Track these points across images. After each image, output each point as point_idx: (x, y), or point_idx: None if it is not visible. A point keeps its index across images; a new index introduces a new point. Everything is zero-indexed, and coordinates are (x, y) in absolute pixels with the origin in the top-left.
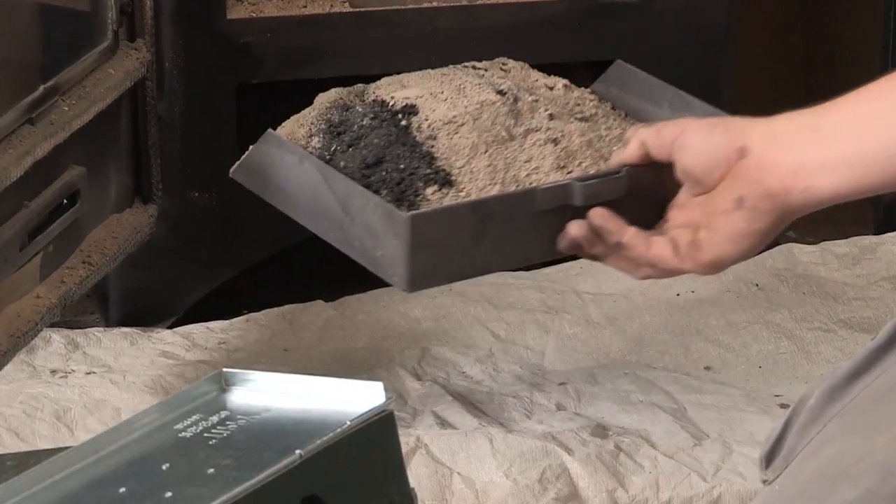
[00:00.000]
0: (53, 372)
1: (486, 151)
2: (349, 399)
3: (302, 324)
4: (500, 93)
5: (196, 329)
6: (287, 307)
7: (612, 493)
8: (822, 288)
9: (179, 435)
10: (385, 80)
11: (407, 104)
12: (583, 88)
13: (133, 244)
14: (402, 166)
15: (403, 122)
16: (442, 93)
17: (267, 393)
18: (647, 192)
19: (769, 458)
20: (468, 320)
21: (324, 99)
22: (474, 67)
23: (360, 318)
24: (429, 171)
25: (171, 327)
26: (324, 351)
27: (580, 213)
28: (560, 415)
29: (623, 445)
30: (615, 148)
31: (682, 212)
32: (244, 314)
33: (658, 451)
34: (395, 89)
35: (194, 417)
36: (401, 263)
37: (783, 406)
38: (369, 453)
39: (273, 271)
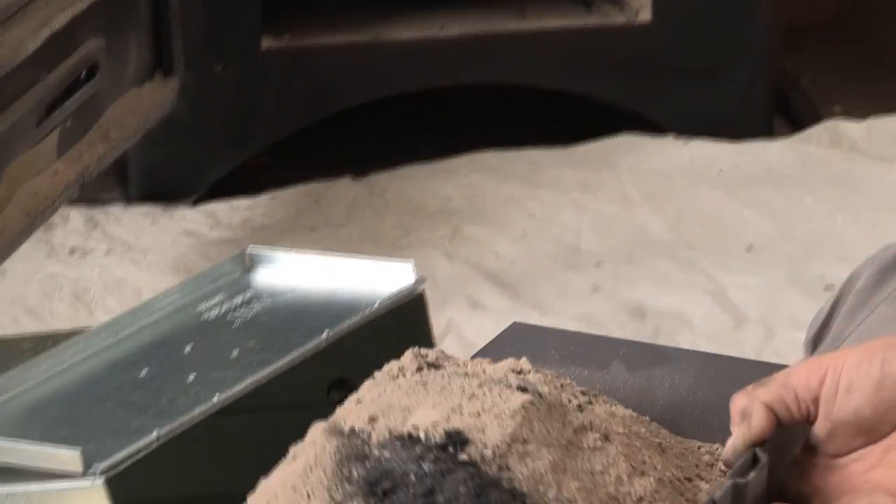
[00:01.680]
0: (72, 251)
1: (565, 470)
2: (378, 279)
3: (329, 201)
4: (523, 389)
5: (219, 207)
6: (313, 184)
7: None
8: (869, 165)
9: (202, 316)
10: (359, 408)
11: (450, 432)
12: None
13: (153, 119)
14: None
15: (465, 458)
16: (461, 406)
17: (293, 273)
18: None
19: (815, 343)
20: (501, 199)
21: (312, 454)
22: (419, 368)
23: (389, 195)
24: None
25: (193, 205)
26: (351, 229)
27: None
28: (596, 296)
29: (662, 328)
30: (643, 429)
31: (831, 479)
32: (269, 191)
33: (698, 333)
34: (402, 416)
35: (217, 298)
36: None
37: (829, 288)
38: (399, 335)
39: (298, 147)
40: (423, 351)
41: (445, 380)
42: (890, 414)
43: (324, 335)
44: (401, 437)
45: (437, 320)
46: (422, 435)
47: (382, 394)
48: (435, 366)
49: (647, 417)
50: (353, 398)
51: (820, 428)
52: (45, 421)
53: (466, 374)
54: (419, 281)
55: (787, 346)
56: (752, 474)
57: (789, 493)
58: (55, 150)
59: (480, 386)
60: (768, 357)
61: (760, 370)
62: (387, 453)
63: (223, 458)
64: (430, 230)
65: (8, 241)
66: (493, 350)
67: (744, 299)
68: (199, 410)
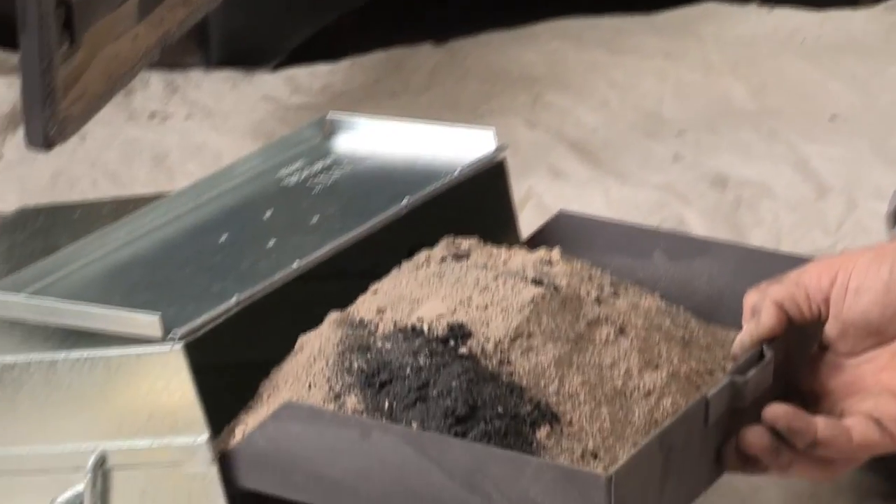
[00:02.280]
0: (152, 115)
1: (571, 365)
2: (459, 146)
3: (409, 67)
4: (537, 282)
5: (300, 72)
6: (394, 50)
7: None
8: None
9: (282, 182)
10: (373, 299)
11: (453, 326)
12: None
13: None
14: (501, 410)
15: (464, 351)
16: (470, 298)
17: (373, 139)
18: (779, 369)
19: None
20: (583, 66)
21: (318, 345)
22: (443, 258)
23: (470, 62)
24: (529, 407)
25: (273, 70)
26: (432, 96)
27: (738, 418)
28: (677, 165)
29: (743, 197)
30: (668, 322)
31: (844, 378)
32: (349, 57)
33: (779, 203)
34: (410, 308)
35: (297, 164)
36: None
37: None
38: (479, 203)
39: (379, 12)
40: (458, 240)
41: (462, 271)
42: None
43: (404, 202)
44: (404, 330)
45: (518, 188)
46: (425, 328)
47: (398, 285)
48: (461, 256)
49: (681, 308)
50: (372, 287)
51: (831, 328)
52: (125, 285)
53: (486, 265)
54: (500, 148)
55: (868, 216)
56: (752, 372)
57: (804, 391)
58: (136, 14)
59: (496, 278)
60: (850, 228)
61: (797, 264)
62: (388, 345)
63: (301, 325)
64: (510, 97)
65: (88, 105)
66: (539, 239)
67: (826, 169)
68: (278, 276)
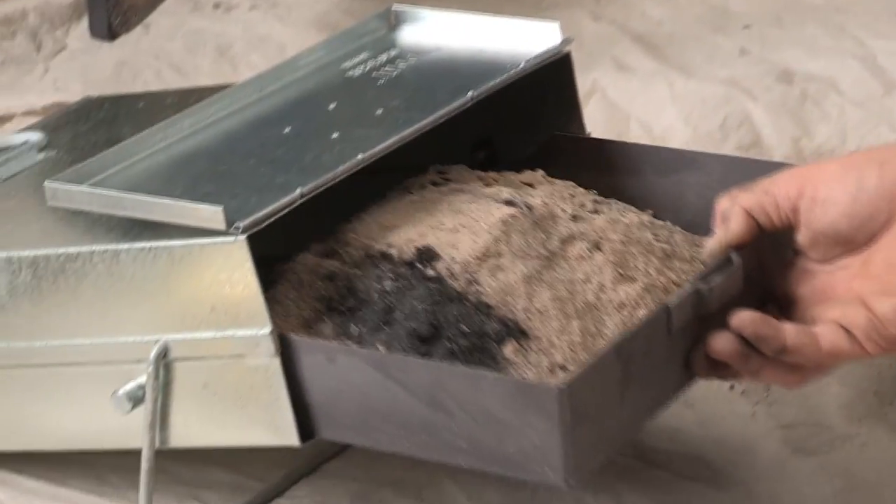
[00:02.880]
0: (216, 5)
1: (541, 282)
2: (524, 39)
3: None
4: (510, 203)
5: None
6: None
7: (797, 141)
8: None
9: (347, 74)
10: (348, 228)
11: (421, 249)
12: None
13: None
14: (465, 329)
15: (432, 273)
16: (442, 222)
17: (438, 31)
18: (753, 275)
19: None
20: None
21: (296, 277)
22: (422, 186)
23: None
24: (495, 325)
25: None
26: None
27: (707, 324)
28: (744, 59)
29: (809, 92)
30: (649, 236)
31: (817, 284)
32: None
33: (845, 99)
34: (380, 235)
35: (362, 56)
36: (555, 452)
37: None
38: (544, 96)
39: None
40: (444, 168)
41: (440, 196)
42: (865, 227)
43: (469, 94)
44: (373, 256)
45: (582, 82)
46: (393, 252)
47: (380, 213)
48: (441, 182)
49: (668, 223)
50: (352, 218)
51: (802, 237)
52: (188, 177)
53: (462, 189)
54: (565, 41)
55: None
56: (718, 279)
57: (778, 296)
58: None
59: (470, 202)
60: None
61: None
62: (358, 272)
63: None
64: None
65: None
66: (531, 161)
67: (894, 65)
68: (342, 168)
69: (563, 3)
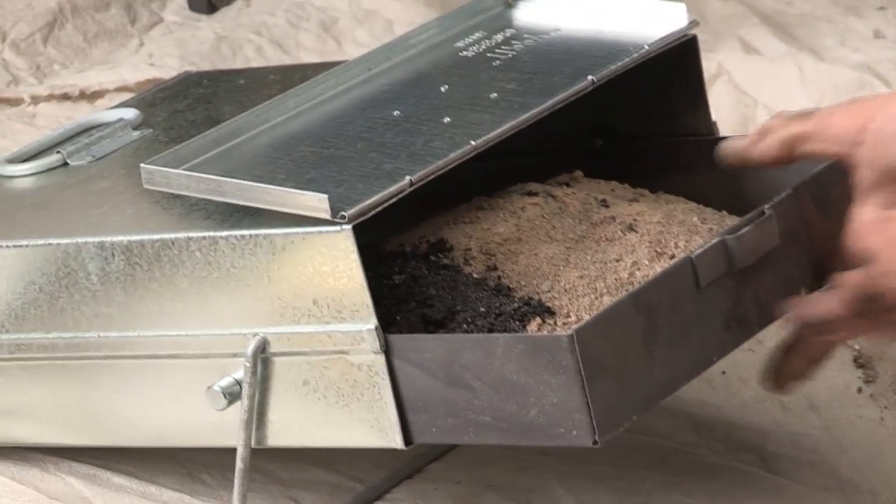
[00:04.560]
0: None
1: (567, 262)
2: (647, 21)
3: None
4: (532, 193)
5: None
6: None
7: None
8: None
9: (460, 54)
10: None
11: (433, 242)
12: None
13: None
14: (482, 309)
15: (446, 262)
16: (459, 217)
17: (557, 11)
18: (796, 232)
19: None
20: None
21: None
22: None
23: None
24: (516, 304)
25: None
26: None
27: (746, 282)
28: (878, 43)
29: None
30: (695, 219)
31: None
32: None
33: None
34: (394, 237)
35: (476, 35)
36: (577, 407)
37: None
38: (668, 80)
39: None
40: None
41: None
42: None
43: (589, 79)
44: (385, 255)
45: (708, 64)
46: (407, 249)
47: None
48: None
49: (723, 211)
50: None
51: (864, 176)
52: (292, 161)
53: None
54: (692, 24)
55: None
56: (747, 231)
57: (845, 258)
58: None
59: (494, 196)
60: None
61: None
62: (369, 273)
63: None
64: None
65: None
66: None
67: None
68: (454, 155)
69: None
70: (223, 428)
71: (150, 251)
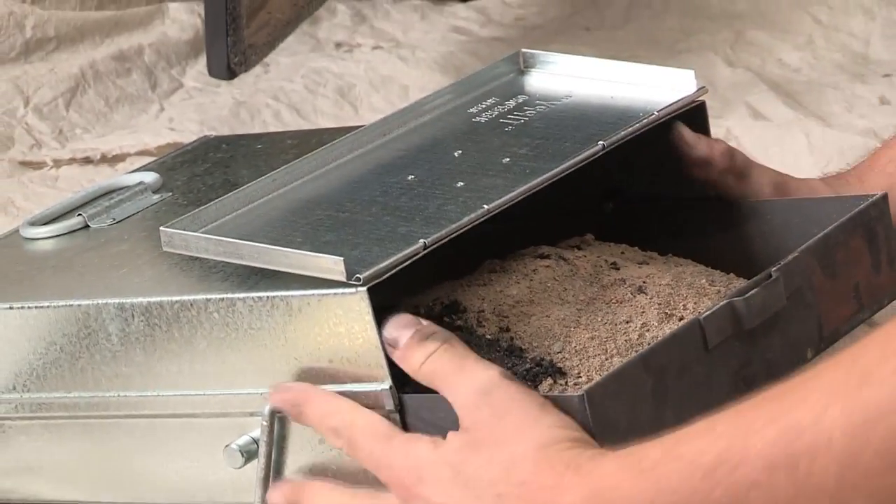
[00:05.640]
0: (338, 45)
1: (578, 323)
2: (657, 86)
3: (605, 1)
4: (543, 256)
5: (491, 3)
6: None
7: None
8: None
9: (473, 119)
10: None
11: (445, 304)
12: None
13: None
14: None
15: (459, 323)
16: (473, 280)
17: (568, 77)
18: (804, 293)
19: None
20: (787, 2)
21: None
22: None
23: None
24: (528, 365)
25: (464, 1)
26: (628, 31)
27: (753, 342)
28: (883, 109)
29: None
30: (703, 281)
31: None
32: None
33: None
34: (409, 297)
35: (490, 101)
36: None
37: None
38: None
39: None
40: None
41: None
42: None
43: (600, 145)
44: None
45: (716, 130)
46: (422, 310)
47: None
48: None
49: (731, 274)
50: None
51: None
52: (309, 224)
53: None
54: (700, 90)
55: None
56: (754, 292)
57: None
58: None
59: (506, 259)
60: None
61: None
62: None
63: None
64: (710, 34)
65: (273, 33)
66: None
67: None
68: (467, 219)
69: (698, 47)
70: (241, 485)
71: (170, 312)
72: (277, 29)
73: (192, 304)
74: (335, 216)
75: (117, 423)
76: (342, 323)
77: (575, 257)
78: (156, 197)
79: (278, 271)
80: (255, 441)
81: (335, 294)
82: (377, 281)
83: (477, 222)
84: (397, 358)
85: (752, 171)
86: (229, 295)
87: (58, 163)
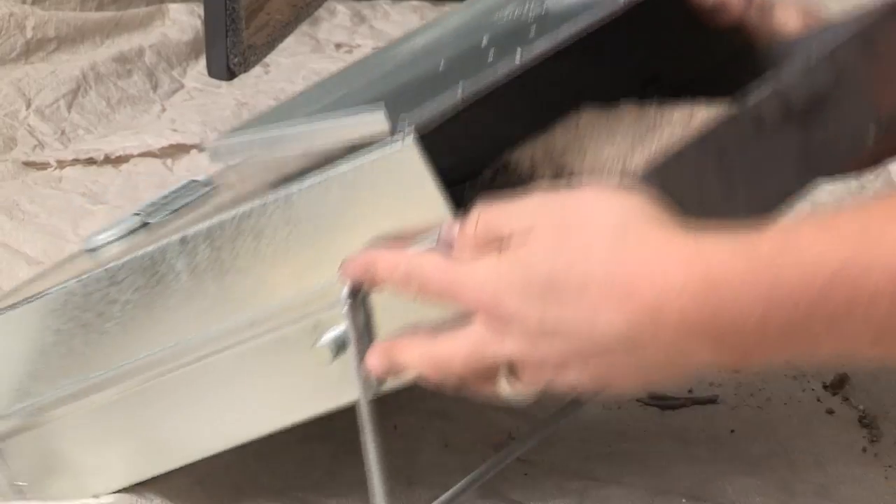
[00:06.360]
0: (338, 46)
1: (632, 155)
2: None
3: None
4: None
5: None
6: None
7: None
8: None
9: (494, 18)
10: None
11: (496, 166)
12: None
13: None
14: None
15: (513, 179)
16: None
17: None
18: (853, 74)
19: None
20: None
21: None
22: None
23: None
24: None
25: (462, 0)
26: None
27: (805, 126)
28: None
29: None
30: None
31: None
32: None
33: None
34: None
35: (510, 8)
36: None
37: None
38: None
39: None
40: None
41: None
42: None
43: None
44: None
45: None
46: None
47: None
48: None
49: None
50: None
51: None
52: (347, 99)
53: None
54: None
55: None
56: (798, 76)
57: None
58: None
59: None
60: None
61: None
62: None
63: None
64: None
65: (272, 34)
66: None
67: None
68: (503, 70)
69: None
70: (336, 386)
71: (231, 229)
72: (277, 30)
73: (250, 214)
74: (372, 95)
75: (203, 364)
76: (398, 181)
77: (618, 112)
78: (208, 188)
79: (326, 160)
80: (340, 334)
81: (384, 152)
82: (425, 130)
83: (515, 74)
84: (455, 253)
85: (774, 4)
86: (283, 192)
87: (61, 164)
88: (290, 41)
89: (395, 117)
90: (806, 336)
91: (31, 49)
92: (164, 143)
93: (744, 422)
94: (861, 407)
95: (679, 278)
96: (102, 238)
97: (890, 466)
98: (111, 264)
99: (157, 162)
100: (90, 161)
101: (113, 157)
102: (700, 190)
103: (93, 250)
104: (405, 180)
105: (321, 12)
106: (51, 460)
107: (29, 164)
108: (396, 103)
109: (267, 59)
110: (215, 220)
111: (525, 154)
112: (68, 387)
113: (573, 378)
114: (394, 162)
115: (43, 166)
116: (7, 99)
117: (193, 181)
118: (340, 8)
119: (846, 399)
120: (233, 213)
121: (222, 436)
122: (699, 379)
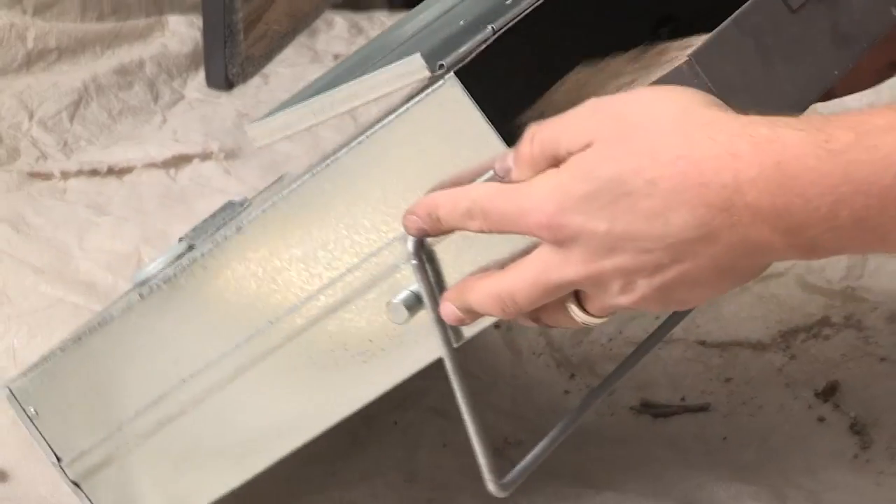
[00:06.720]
0: (336, 57)
1: (639, 82)
2: None
3: None
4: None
5: None
6: None
7: None
8: None
9: None
10: None
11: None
12: None
13: None
14: None
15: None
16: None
17: None
18: None
19: None
20: None
21: None
22: None
23: None
24: None
25: None
26: None
27: (835, 4)
28: None
29: None
30: None
31: None
32: None
33: None
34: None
35: None
36: None
37: None
38: None
39: None
40: None
41: None
42: None
43: None
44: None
45: None
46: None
47: None
48: None
49: None
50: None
51: None
52: (381, 60)
53: None
54: None
55: None
56: None
57: None
58: None
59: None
60: None
61: None
62: None
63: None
64: None
65: (270, 45)
66: None
67: None
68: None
69: None
70: (413, 345)
71: (295, 199)
72: (275, 41)
73: (307, 180)
74: (406, 46)
75: (297, 341)
76: (446, 123)
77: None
78: (245, 205)
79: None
80: (412, 291)
81: (426, 94)
82: (461, 65)
83: (536, 3)
84: (514, 176)
85: None
86: (332, 157)
87: (65, 175)
88: (288, 52)
89: (432, 62)
90: (876, 227)
91: (33, 60)
92: (167, 153)
93: (736, 429)
94: (852, 414)
95: (753, 163)
96: (153, 268)
97: (881, 473)
98: (172, 268)
99: (160, 172)
100: (94, 172)
101: (116, 168)
102: (744, 73)
103: (143, 282)
104: (453, 121)
105: (319, 23)
106: (131, 490)
107: (34, 175)
108: (430, 54)
109: (266, 70)
110: (277, 196)
111: (531, 117)
112: (146, 409)
113: (640, 295)
114: (439, 103)
115: (47, 177)
116: (10, 111)
117: (231, 202)
118: (338, 19)
119: (837, 406)
120: (291, 189)
121: (315, 420)
122: (691, 387)
